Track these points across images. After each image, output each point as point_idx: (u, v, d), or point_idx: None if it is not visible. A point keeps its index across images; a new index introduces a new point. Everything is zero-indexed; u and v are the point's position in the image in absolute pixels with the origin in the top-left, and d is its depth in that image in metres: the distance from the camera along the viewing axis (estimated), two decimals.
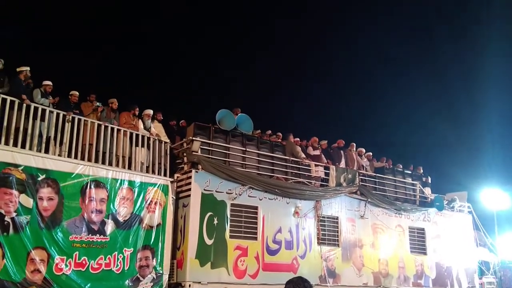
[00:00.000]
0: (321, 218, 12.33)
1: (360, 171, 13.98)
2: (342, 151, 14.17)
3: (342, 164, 13.82)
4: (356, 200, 13.30)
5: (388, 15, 26.16)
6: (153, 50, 23.62)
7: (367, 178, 14.04)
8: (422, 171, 16.13)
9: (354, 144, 14.59)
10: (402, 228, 14.20)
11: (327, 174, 12.96)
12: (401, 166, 15.52)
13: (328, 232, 12.48)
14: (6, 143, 8.34)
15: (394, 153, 17.36)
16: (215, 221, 10.39)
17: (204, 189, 10.43)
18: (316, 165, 12.91)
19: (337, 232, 12.69)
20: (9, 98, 8.58)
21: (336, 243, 12.58)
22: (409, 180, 15.40)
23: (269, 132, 13.30)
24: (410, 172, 15.64)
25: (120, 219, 9.41)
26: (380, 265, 13.27)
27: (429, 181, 16.03)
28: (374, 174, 14.47)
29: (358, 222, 13.16)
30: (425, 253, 14.53)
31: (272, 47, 25.45)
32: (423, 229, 14.71)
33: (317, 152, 13.46)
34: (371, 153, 15.02)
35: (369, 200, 13.41)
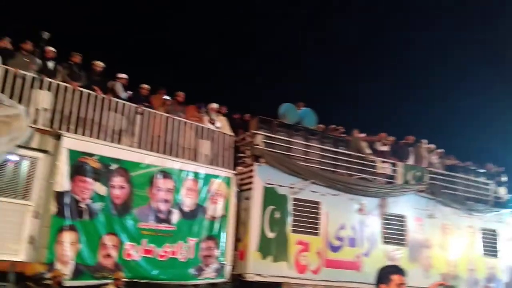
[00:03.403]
0: (386, 216, 11.99)
1: (430, 168, 13.41)
2: (410, 148, 13.64)
3: (411, 161, 13.32)
4: (424, 198, 12.78)
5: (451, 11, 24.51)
6: (220, 44, 23.98)
7: (437, 176, 13.43)
8: (496, 169, 15.11)
9: (426, 141, 13.99)
10: (473, 229, 13.45)
11: (394, 171, 12.55)
12: (472, 164, 14.66)
13: (394, 231, 12.11)
14: (83, 134, 8.86)
15: (468, 151, 16.41)
16: (277, 215, 10.41)
17: (266, 183, 10.48)
18: (382, 162, 12.54)
19: (403, 231, 12.28)
20: (85, 91, 9.11)
21: (402, 242, 12.18)
22: (482, 179, 14.52)
23: (333, 126, 13.08)
24: (484, 170, 14.74)
25: (185, 209, 9.69)
26: (448, 267, 12.68)
27: (505, 180, 15.00)
28: (445, 172, 13.81)
29: (426, 222, 12.64)
30: (496, 256, 13.69)
31: (332, 40, 24.90)
32: (494, 231, 13.85)
33: (386, 148, 13.06)
34: (442, 150, 14.33)
35: (438, 199, 12.83)
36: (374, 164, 12.38)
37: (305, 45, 24.91)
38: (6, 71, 8.31)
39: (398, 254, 11.96)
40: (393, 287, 3.20)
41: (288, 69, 23.89)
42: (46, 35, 8.93)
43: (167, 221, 9.38)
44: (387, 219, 12.03)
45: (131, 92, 10.21)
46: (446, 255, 12.78)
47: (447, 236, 12.97)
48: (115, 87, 9.91)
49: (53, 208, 8.08)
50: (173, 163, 9.74)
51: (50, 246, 7.93)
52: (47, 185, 8.22)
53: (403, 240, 12.22)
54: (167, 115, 10.22)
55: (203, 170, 10.15)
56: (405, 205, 12.43)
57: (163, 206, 9.39)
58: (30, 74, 8.56)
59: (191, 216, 9.71)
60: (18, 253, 7.78)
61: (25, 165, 8.21)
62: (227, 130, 11.21)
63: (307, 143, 11.59)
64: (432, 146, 14.19)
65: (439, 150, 14.30)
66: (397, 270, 3.28)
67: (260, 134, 10.76)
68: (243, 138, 11.41)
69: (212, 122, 11.05)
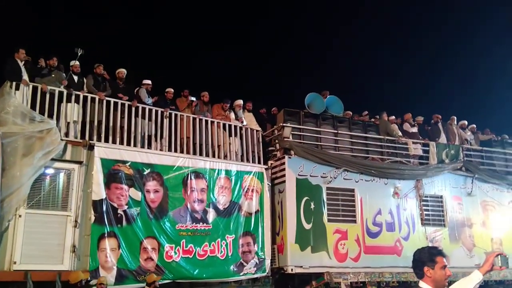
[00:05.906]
0: (423, 198, 11.75)
1: (464, 145, 13.06)
2: (441, 126, 13.30)
3: (443, 139, 12.99)
4: (461, 176, 12.47)
5: None
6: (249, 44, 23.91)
7: (472, 153, 13.07)
8: None
9: (455, 118, 13.61)
10: None
11: (426, 152, 12.28)
12: (509, 137, 14.17)
13: (432, 212, 11.86)
14: (114, 142, 9.00)
15: (501, 125, 15.91)
16: (312, 206, 10.34)
17: (299, 174, 10.42)
18: (414, 143, 12.29)
19: (442, 212, 12.02)
20: (112, 100, 9.25)
21: (442, 223, 11.92)
22: None
23: (366, 112, 12.90)
24: None
25: (220, 207, 9.73)
26: (493, 245, 12.31)
27: None
28: (480, 147, 13.42)
29: (466, 200, 12.33)
30: None
31: (356, 22, 24.49)
32: None
33: (415, 129, 12.79)
34: (475, 126, 13.92)
35: (476, 176, 12.48)
36: (406, 146, 12.15)
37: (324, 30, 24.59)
38: (35, 88, 8.52)
39: (439, 236, 11.72)
40: (438, 270, 3.04)
41: (309, 60, 23.71)
42: (80, 51, 9.09)
43: (203, 220, 9.44)
44: (424, 200, 11.79)
45: (156, 97, 10.32)
46: (490, 233, 12.42)
47: (488, 213, 12.60)
48: (140, 93, 10.03)
49: (92, 216, 8.25)
50: (204, 163, 9.79)
51: (92, 253, 8.09)
52: (84, 195, 8.39)
53: (442, 220, 11.96)
54: (194, 116, 10.28)
55: (234, 167, 10.17)
56: (442, 185, 12.15)
57: (198, 206, 9.46)
58: (57, 89, 8.75)
59: (226, 213, 9.75)
60: (63, 262, 7.98)
61: (61, 177, 8.40)
62: (255, 126, 11.20)
63: (336, 131, 11.47)
64: (464, 122, 13.81)
65: (471, 126, 13.91)
66: (439, 251, 3.14)
67: (288, 126, 10.70)
68: (271, 131, 11.39)
69: (238, 119, 11.06)
